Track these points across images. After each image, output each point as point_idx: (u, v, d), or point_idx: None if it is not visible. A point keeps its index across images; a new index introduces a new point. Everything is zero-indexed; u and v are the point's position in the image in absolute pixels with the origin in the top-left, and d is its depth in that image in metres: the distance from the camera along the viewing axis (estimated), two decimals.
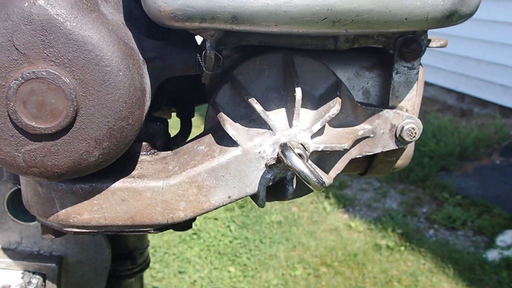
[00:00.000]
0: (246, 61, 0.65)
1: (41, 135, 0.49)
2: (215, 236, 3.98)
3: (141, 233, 0.63)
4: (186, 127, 0.85)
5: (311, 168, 0.54)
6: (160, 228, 0.63)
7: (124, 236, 0.97)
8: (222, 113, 0.62)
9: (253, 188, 0.62)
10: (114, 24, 0.52)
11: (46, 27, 0.47)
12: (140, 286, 1.05)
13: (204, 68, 0.57)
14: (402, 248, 3.54)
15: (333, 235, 3.87)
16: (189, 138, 0.87)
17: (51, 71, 0.47)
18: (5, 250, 0.78)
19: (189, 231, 4.02)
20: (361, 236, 3.80)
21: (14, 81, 0.47)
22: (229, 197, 0.62)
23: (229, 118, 0.62)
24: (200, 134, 0.68)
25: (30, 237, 0.79)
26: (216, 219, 4.18)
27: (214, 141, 0.63)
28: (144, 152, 0.66)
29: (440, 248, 3.50)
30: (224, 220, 4.17)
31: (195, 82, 0.82)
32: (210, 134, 0.65)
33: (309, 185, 0.54)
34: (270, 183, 0.62)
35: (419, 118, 0.73)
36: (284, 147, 0.57)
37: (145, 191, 0.59)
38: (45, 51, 0.47)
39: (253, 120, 0.63)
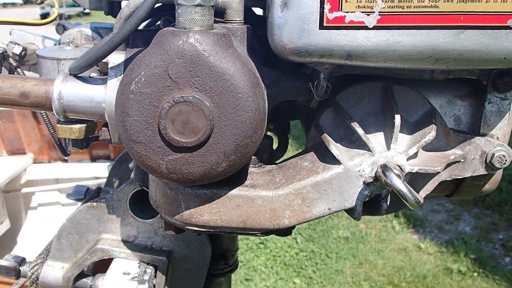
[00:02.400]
0: (348, 88, 0.73)
1: (183, 147, 0.60)
2: (282, 247, 4.04)
3: (249, 235, 0.72)
4: (283, 142, 0.94)
5: (409, 188, 0.60)
6: (266, 232, 0.72)
7: (219, 238, 1.07)
8: (326, 135, 0.70)
9: (351, 202, 0.69)
10: (243, 56, 0.62)
11: (195, 60, 0.57)
12: (228, 285, 1.15)
13: (315, 95, 0.65)
14: (475, 274, 3.41)
15: (402, 255, 3.80)
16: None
17: (196, 96, 0.58)
18: (124, 242, 0.91)
19: (256, 241, 4.12)
20: (431, 258, 3.70)
21: (166, 103, 0.58)
22: (329, 209, 0.69)
23: (332, 139, 0.70)
24: (302, 151, 0.77)
25: (145, 233, 0.91)
26: None
27: (317, 159, 0.71)
28: (253, 165, 0.76)
29: None
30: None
31: (289, 102, 0.91)
32: (312, 152, 0.74)
33: (406, 203, 0.61)
34: (367, 199, 0.69)
35: (509, 145, 0.76)
36: (384, 167, 0.64)
37: (257, 199, 0.69)
38: (192, 80, 0.58)
39: (353, 142, 0.71)
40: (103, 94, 0.68)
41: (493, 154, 0.73)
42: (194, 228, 0.71)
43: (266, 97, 0.63)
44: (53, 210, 2.46)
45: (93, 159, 2.37)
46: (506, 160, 0.73)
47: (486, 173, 0.75)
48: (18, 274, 0.92)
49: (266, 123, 0.63)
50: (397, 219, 4.32)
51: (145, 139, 0.60)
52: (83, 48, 0.90)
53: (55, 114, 0.69)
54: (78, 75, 0.69)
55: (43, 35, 1.10)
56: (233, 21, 0.67)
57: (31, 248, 2.35)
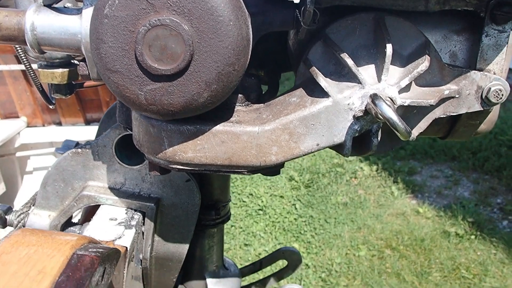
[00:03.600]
0: (338, 21, 0.69)
1: (161, 76, 0.57)
2: (281, 213, 4.07)
3: (235, 173, 0.70)
4: (274, 87, 0.91)
5: (399, 117, 0.58)
6: (253, 170, 0.69)
7: (210, 189, 1.05)
8: (314, 68, 0.67)
9: (340, 137, 0.66)
10: None
11: None
12: (221, 237, 1.14)
13: (302, 23, 0.62)
14: (473, 237, 3.43)
15: (400, 220, 3.82)
16: None
17: (174, 19, 0.54)
18: (111, 189, 0.89)
19: (255, 207, 4.14)
20: (429, 222, 3.72)
21: (142, 27, 0.55)
22: (318, 144, 0.67)
23: (320, 72, 0.67)
24: (291, 88, 0.74)
25: (132, 180, 0.89)
26: (282, 196, 4.26)
27: (306, 93, 0.68)
28: (239, 103, 0.73)
29: None
30: (290, 198, 4.24)
31: (281, 51, 0.87)
32: (301, 88, 0.71)
33: (397, 132, 0.58)
34: (357, 134, 0.67)
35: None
36: (374, 96, 0.61)
37: (242, 135, 0.66)
38: (168, 1, 0.54)
39: (343, 76, 0.68)
40: (78, 25, 0.64)
41: (489, 89, 0.70)
42: (178, 166, 0.69)
43: (249, 23, 0.60)
44: None
45: (87, 122, 2.34)
46: (502, 95, 0.70)
47: (482, 109, 0.72)
48: (4, 223, 0.91)
49: (250, 51, 0.60)
50: (396, 184, 4.33)
51: (122, 68, 0.57)
52: None
53: (29, 47, 0.65)
54: (52, 6, 0.66)
55: None
56: None
57: None
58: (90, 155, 0.88)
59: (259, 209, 4.09)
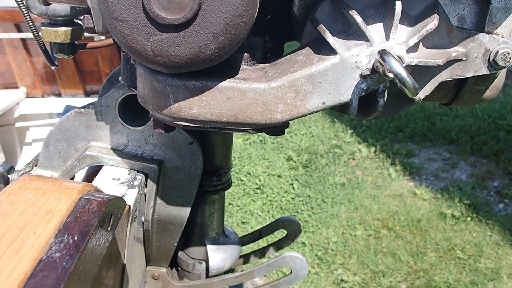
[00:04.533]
0: None
1: (168, 25, 0.56)
2: (278, 192, 4.08)
3: (240, 131, 0.70)
4: (278, 50, 0.90)
5: (408, 72, 0.57)
6: (258, 128, 0.69)
7: (212, 154, 1.05)
8: (322, 25, 0.66)
9: (346, 96, 0.66)
10: None
11: None
12: (222, 204, 1.14)
13: None
14: (469, 218, 3.46)
15: (397, 201, 3.84)
16: None
17: None
18: (114, 150, 0.89)
19: (253, 186, 4.15)
20: (426, 204, 3.74)
21: None
22: (324, 103, 0.66)
23: (328, 30, 0.66)
24: (297, 48, 0.73)
25: (135, 141, 0.89)
26: (279, 176, 4.27)
27: (312, 52, 0.68)
28: (245, 62, 0.72)
29: (510, 222, 3.39)
30: (288, 178, 4.25)
31: (286, 16, 0.86)
32: (307, 47, 0.70)
33: (404, 88, 0.58)
34: (363, 94, 0.66)
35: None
36: (383, 52, 0.60)
37: (248, 91, 0.66)
38: None
39: (351, 34, 0.67)
40: None
41: (497, 52, 0.70)
42: (183, 123, 0.68)
43: None
44: None
45: (87, 94, 2.33)
46: (510, 58, 0.70)
47: (489, 73, 0.72)
48: (6, 182, 0.91)
49: (258, 3, 0.59)
50: (394, 166, 4.35)
51: (129, 17, 0.57)
52: None
53: None
54: None
55: None
56: None
57: None
58: (93, 115, 0.87)
59: (257, 188, 4.10)
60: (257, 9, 0.60)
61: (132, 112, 0.90)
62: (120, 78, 0.83)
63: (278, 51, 0.92)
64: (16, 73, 2.25)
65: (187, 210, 0.95)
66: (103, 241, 0.49)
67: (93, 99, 2.44)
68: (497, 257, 3.08)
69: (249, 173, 4.25)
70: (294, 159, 4.46)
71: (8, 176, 0.91)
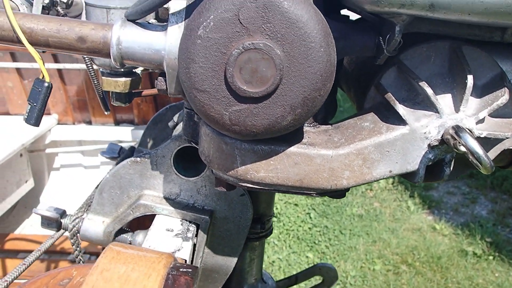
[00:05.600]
0: (413, 47, 0.69)
1: (249, 98, 0.58)
2: (295, 222, 4.06)
3: (304, 195, 0.70)
4: (332, 104, 0.91)
5: (484, 150, 0.58)
6: (322, 192, 0.70)
7: (257, 202, 1.06)
8: (391, 94, 0.67)
9: (414, 165, 0.67)
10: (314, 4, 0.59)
11: (268, 5, 0.54)
12: (262, 250, 1.14)
13: (385, 51, 0.62)
14: (491, 257, 3.40)
15: (416, 235, 3.79)
16: None
17: (267, 43, 0.55)
18: (166, 199, 0.90)
19: None
20: (446, 239, 3.69)
21: (235, 50, 0.55)
22: (390, 171, 0.67)
23: (396, 99, 0.67)
24: (360, 112, 0.74)
25: (188, 191, 0.90)
26: (296, 205, 4.25)
27: (379, 119, 0.69)
28: (308, 124, 0.74)
29: None
30: (305, 206, 4.23)
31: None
32: (372, 113, 0.71)
33: (480, 165, 0.58)
34: (430, 163, 0.67)
35: None
36: (457, 128, 0.61)
37: (316, 158, 0.66)
38: (263, 26, 0.55)
39: (417, 103, 0.68)
40: (163, 41, 0.65)
41: None
42: (248, 185, 0.69)
43: (335, 49, 0.60)
44: (75, 172, 2.48)
45: (117, 122, 2.36)
46: None
47: None
48: (59, 226, 0.92)
49: (334, 76, 0.60)
50: (412, 199, 4.31)
51: (210, 88, 0.58)
52: None
53: (112, 60, 0.66)
54: (136, 21, 0.67)
55: None
56: None
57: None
58: (148, 164, 0.89)
59: (273, 216, 4.08)
60: (333, 82, 0.61)
61: (184, 161, 0.91)
62: (175, 132, 0.84)
63: (333, 106, 0.93)
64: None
65: (234, 260, 0.96)
66: None
67: (122, 128, 2.48)
68: None
69: None
70: None
71: (61, 220, 0.92)
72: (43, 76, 0.68)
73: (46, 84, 0.68)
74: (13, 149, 2.00)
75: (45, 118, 2.40)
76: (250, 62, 0.56)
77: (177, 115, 1.06)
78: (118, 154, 1.27)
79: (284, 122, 0.60)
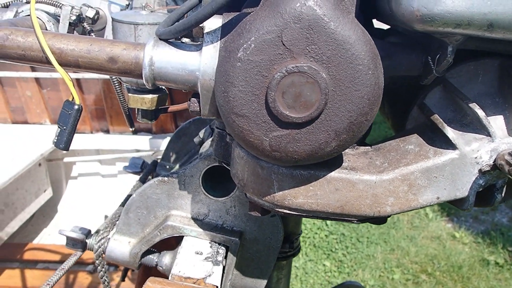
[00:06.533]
0: (460, 65, 0.66)
1: (291, 123, 0.54)
2: (311, 229, 4.00)
3: (344, 221, 0.66)
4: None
5: None
6: (363, 219, 0.66)
7: (286, 221, 1.02)
8: (438, 116, 0.63)
9: (463, 192, 0.63)
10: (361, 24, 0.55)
11: (313, 26, 0.51)
12: (289, 269, 1.11)
13: (434, 71, 0.59)
14: None
15: (435, 244, 3.72)
16: None
17: (312, 66, 0.52)
18: (194, 219, 0.87)
19: None
20: (466, 248, 3.61)
21: (278, 73, 0.52)
22: (438, 198, 0.63)
23: (444, 122, 0.63)
24: (401, 133, 0.70)
25: (216, 211, 0.87)
26: None
27: (424, 142, 0.65)
28: None
29: None
30: None
31: None
32: (416, 134, 0.67)
33: None
34: (480, 189, 0.63)
35: None
36: None
37: (358, 183, 0.63)
38: (307, 48, 0.52)
39: (466, 125, 0.64)
40: (197, 62, 0.62)
41: None
42: (286, 211, 0.66)
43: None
44: (93, 180, 2.46)
45: (135, 131, 2.34)
46: None
47: None
48: (84, 247, 0.89)
49: (381, 99, 0.57)
50: (430, 206, 4.23)
51: (249, 112, 0.55)
52: (158, 13, 0.84)
53: (144, 81, 0.63)
54: (169, 40, 0.64)
55: (110, 0, 1.04)
56: None
57: (71, 216, 2.38)
58: (176, 184, 0.86)
59: None
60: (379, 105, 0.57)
61: (212, 180, 0.88)
62: (201, 150, 0.81)
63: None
64: None
65: (264, 282, 0.92)
66: None
67: (140, 137, 2.46)
68: None
69: None
70: None
71: (86, 240, 0.90)
72: (73, 98, 0.66)
73: (76, 107, 0.65)
74: (32, 159, 1.99)
75: None
76: (293, 86, 0.53)
77: (203, 131, 1.03)
78: (141, 168, 1.25)
79: (328, 148, 0.56)
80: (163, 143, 2.22)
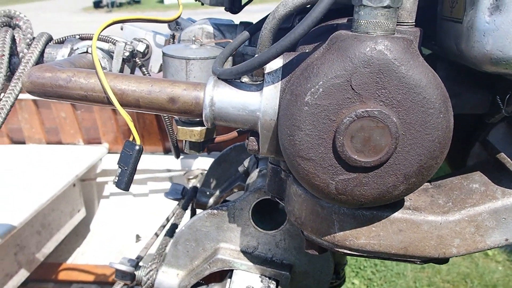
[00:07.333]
0: None
1: (358, 167, 0.53)
2: None
3: (406, 262, 0.65)
4: None
5: None
6: (427, 260, 0.64)
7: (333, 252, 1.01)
8: (504, 155, 0.62)
9: None
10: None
11: (383, 70, 0.50)
12: None
13: (503, 111, 0.57)
14: None
15: (467, 262, 3.62)
16: None
17: (382, 111, 0.51)
18: (244, 252, 0.86)
19: None
20: (500, 267, 3.51)
21: (347, 118, 0.51)
22: (506, 239, 0.61)
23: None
24: (462, 169, 0.68)
25: (266, 244, 0.86)
26: None
27: (490, 181, 0.63)
28: None
29: None
30: None
31: None
32: (479, 172, 0.65)
33: None
34: None
35: None
36: None
37: (423, 224, 0.61)
38: (377, 92, 0.51)
39: None
40: (258, 102, 0.62)
41: None
42: (346, 251, 0.64)
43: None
44: (125, 200, 2.48)
45: (166, 151, 2.36)
46: None
47: None
48: (133, 279, 0.89)
49: (451, 142, 0.55)
50: None
51: (316, 156, 0.54)
52: (207, 47, 0.85)
53: (204, 121, 0.63)
54: (228, 80, 0.64)
55: (154, 31, 1.06)
56: (405, 23, 0.59)
57: (103, 236, 2.40)
58: (225, 217, 0.85)
59: None
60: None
61: (261, 213, 0.87)
62: (250, 182, 0.81)
63: None
64: (100, 129, 2.33)
65: None
66: None
67: (171, 157, 2.48)
68: None
69: None
70: None
71: (135, 272, 0.90)
72: (133, 138, 0.66)
73: (137, 147, 0.66)
74: (67, 180, 2.02)
75: (96, 147, 2.44)
76: (362, 130, 0.52)
77: (247, 160, 1.03)
78: (181, 195, 1.25)
79: (396, 192, 0.55)
80: (194, 163, 2.22)
